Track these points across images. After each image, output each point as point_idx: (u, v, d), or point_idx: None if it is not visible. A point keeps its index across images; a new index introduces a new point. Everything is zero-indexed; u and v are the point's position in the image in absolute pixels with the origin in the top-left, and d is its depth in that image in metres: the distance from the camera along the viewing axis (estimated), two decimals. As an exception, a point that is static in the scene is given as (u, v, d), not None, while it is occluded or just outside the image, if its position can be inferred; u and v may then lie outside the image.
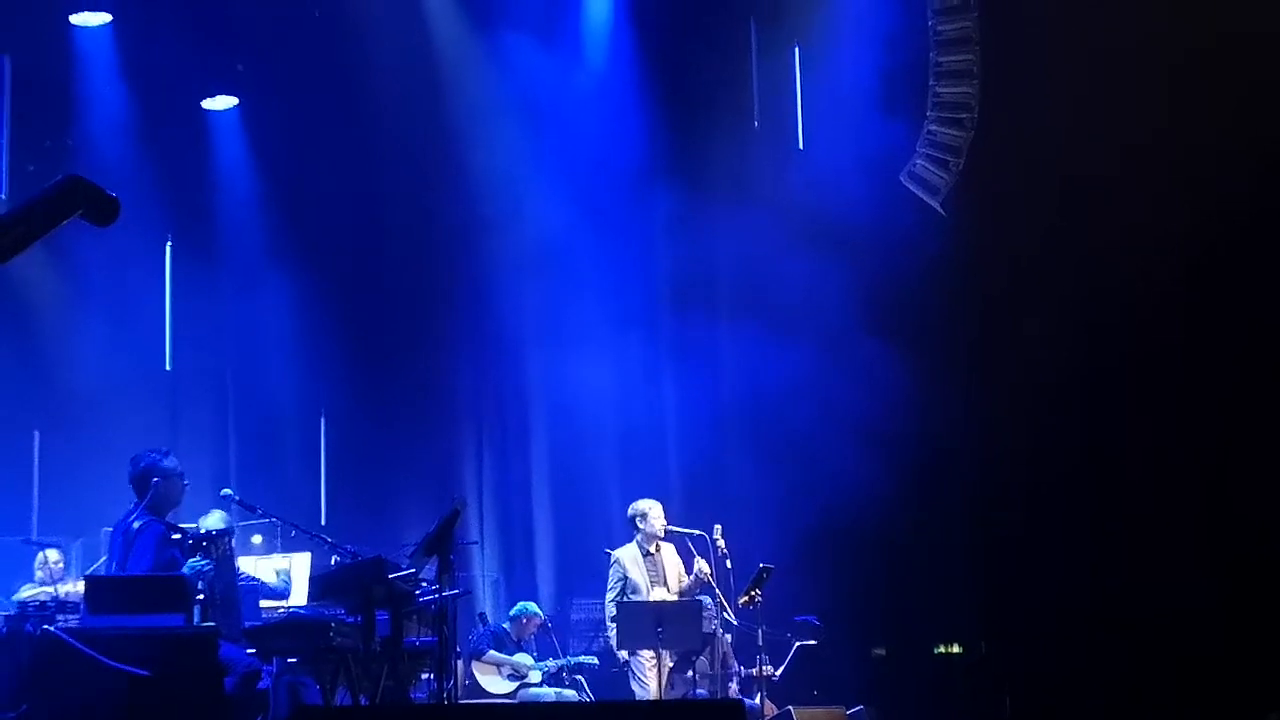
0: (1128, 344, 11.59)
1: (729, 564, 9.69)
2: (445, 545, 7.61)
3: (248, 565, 8.92)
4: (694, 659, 9.67)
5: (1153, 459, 11.25)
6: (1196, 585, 10.81)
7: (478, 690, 11.06)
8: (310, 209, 13.44)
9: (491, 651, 11.28)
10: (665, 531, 9.96)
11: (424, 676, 8.13)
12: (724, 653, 10.04)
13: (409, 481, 13.38)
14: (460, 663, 10.13)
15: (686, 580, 9.85)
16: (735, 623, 9.94)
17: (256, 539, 10.54)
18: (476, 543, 12.82)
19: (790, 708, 10.19)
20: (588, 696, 11.00)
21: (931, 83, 12.37)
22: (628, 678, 9.94)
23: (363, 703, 7.45)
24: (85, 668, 6.48)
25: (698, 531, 9.80)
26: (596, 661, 11.28)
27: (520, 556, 13.68)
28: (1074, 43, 11.44)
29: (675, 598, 9.77)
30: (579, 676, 11.32)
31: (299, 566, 9.09)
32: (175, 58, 12.25)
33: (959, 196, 12.41)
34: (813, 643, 10.97)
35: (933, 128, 12.42)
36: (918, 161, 12.48)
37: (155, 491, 7.49)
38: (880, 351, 12.02)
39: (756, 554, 10.04)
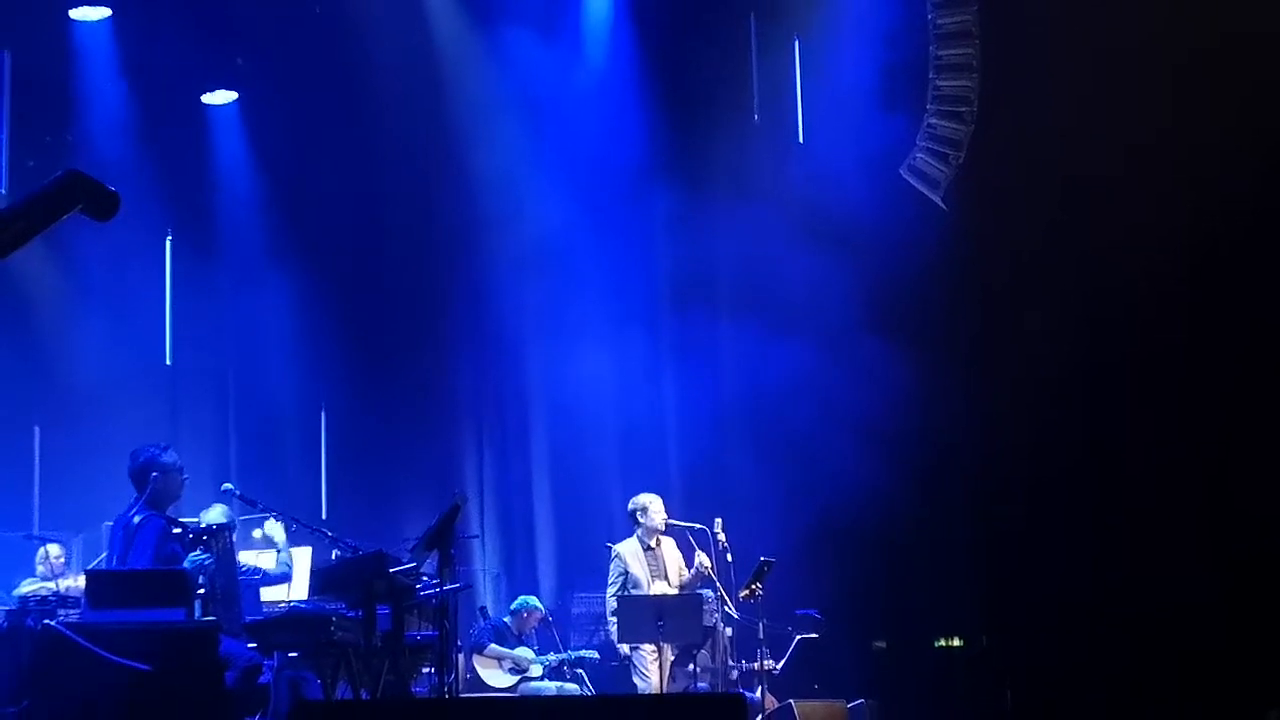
0: (1129, 339, 11.60)
1: (729, 557, 9.71)
2: (446, 540, 7.62)
3: (248, 558, 8.91)
4: (695, 652, 9.68)
5: (1154, 454, 11.26)
6: (1198, 580, 10.82)
7: (479, 684, 11.06)
8: (310, 204, 13.44)
9: (492, 645, 11.28)
10: (666, 525, 9.97)
11: (425, 671, 8.14)
12: (723, 646, 10.04)
13: (410, 476, 13.38)
14: (461, 657, 10.13)
15: (687, 574, 9.86)
16: (736, 616, 9.95)
17: (257, 533, 10.52)
18: (477, 537, 12.83)
19: (791, 701, 10.20)
20: (589, 690, 11.00)
21: (931, 76, 12.37)
22: (629, 671, 9.95)
23: (364, 697, 7.46)
24: (86, 663, 6.47)
25: (698, 525, 9.82)
26: (597, 655, 11.28)
27: (521, 551, 13.68)
28: (1075, 38, 11.44)
29: (676, 592, 9.78)
30: (580, 670, 11.32)
31: (300, 561, 9.08)
32: (175, 53, 12.24)
33: (959, 190, 12.40)
34: (814, 636, 10.96)
35: (933, 121, 12.41)
36: (918, 155, 12.48)
37: (154, 486, 7.49)
38: (881, 347, 12.02)
39: (757, 550, 10.04)
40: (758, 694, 9.91)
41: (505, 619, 11.58)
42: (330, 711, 6.70)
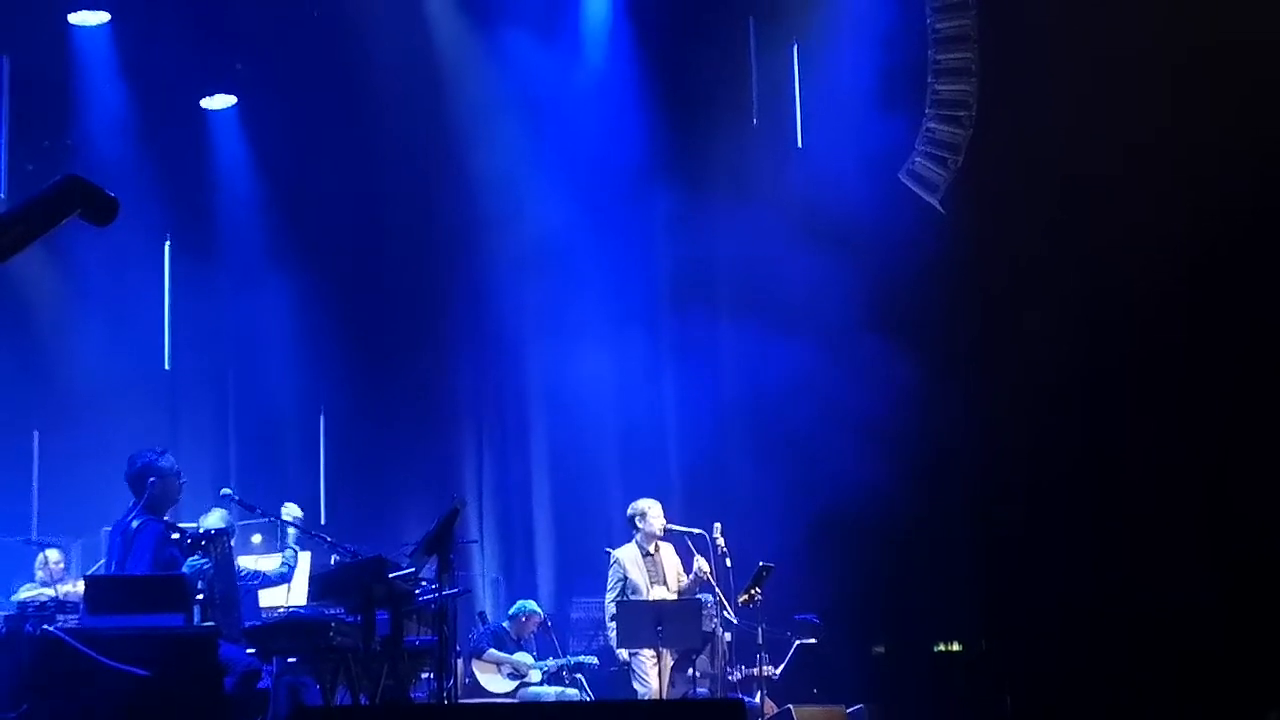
0: (1129, 342, 11.59)
1: (729, 562, 9.69)
2: (445, 544, 7.61)
3: (249, 563, 8.91)
4: (694, 658, 9.67)
5: (1154, 456, 11.25)
6: (1197, 582, 10.81)
7: (478, 689, 11.05)
8: (310, 208, 13.43)
9: (491, 650, 11.27)
10: (664, 531, 9.96)
11: (424, 676, 8.14)
12: (722, 651, 10.04)
13: (409, 480, 13.37)
14: (460, 662, 10.12)
15: (685, 580, 9.85)
16: (735, 621, 9.94)
17: (256, 538, 10.52)
18: (476, 542, 12.82)
19: (790, 706, 10.19)
20: (588, 696, 10.99)
21: (930, 80, 12.37)
22: (628, 677, 9.94)
23: (363, 702, 7.44)
24: (85, 668, 6.46)
25: (697, 530, 9.80)
26: (596, 661, 11.27)
27: (520, 555, 13.67)
28: (1073, 40, 11.43)
29: (675, 597, 9.77)
30: (579, 676, 11.31)
31: (299, 565, 9.08)
32: (174, 57, 12.24)
33: (958, 194, 12.41)
34: (813, 641, 10.97)
35: (931, 125, 12.41)
36: (916, 159, 12.48)
37: (152, 491, 7.48)
38: (881, 349, 12.02)
39: (757, 552, 10.04)
40: (757, 699, 9.91)
41: (504, 624, 11.57)
42: (329, 717, 6.70)
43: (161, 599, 6.88)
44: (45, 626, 6.72)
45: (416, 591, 7.85)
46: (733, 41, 13.08)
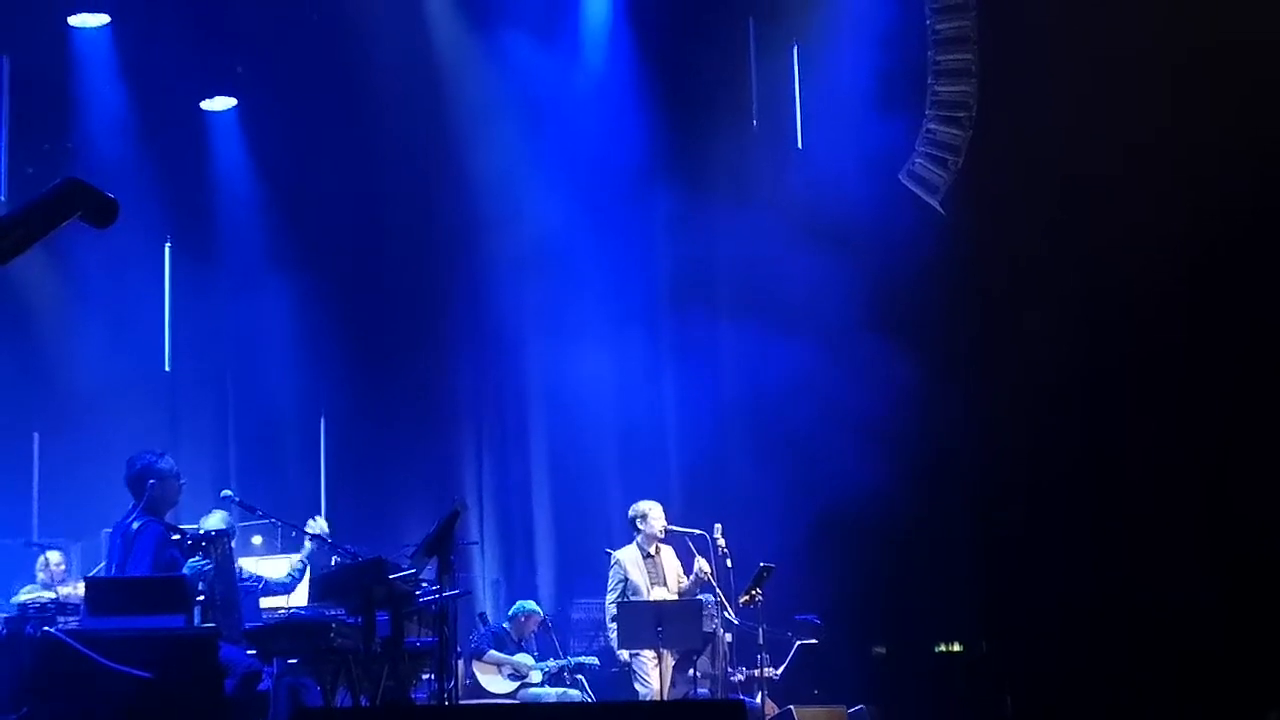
0: (1128, 342, 11.60)
1: (729, 563, 9.69)
2: (445, 546, 7.61)
3: (250, 565, 8.91)
4: (695, 658, 9.67)
5: (1153, 457, 11.26)
6: (1197, 583, 10.81)
7: (478, 690, 11.04)
8: (310, 209, 13.43)
9: (492, 651, 11.26)
10: (665, 532, 9.96)
11: (425, 677, 8.13)
12: (723, 652, 10.04)
13: (409, 482, 13.37)
14: (461, 663, 10.12)
15: (686, 581, 9.85)
16: (736, 622, 9.94)
17: (257, 539, 10.53)
18: (476, 543, 12.82)
19: (791, 707, 10.20)
20: (589, 696, 10.99)
21: (930, 81, 12.37)
22: (629, 678, 9.94)
23: (363, 704, 7.44)
24: (86, 670, 6.47)
25: (698, 531, 9.80)
26: (597, 661, 11.27)
27: (520, 556, 13.67)
28: (1073, 41, 11.43)
29: (675, 598, 9.77)
30: (580, 676, 11.31)
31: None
32: (174, 59, 12.24)
33: (958, 195, 12.41)
34: (813, 642, 10.97)
35: (931, 126, 12.41)
36: (916, 160, 12.48)
37: (151, 493, 7.48)
38: (880, 350, 12.02)
39: (757, 553, 10.04)
40: (758, 700, 9.90)
41: (504, 625, 11.56)
42: (330, 718, 6.71)
43: (162, 600, 6.88)
44: (46, 628, 6.73)
45: (417, 593, 7.85)
46: (733, 43, 13.09)
